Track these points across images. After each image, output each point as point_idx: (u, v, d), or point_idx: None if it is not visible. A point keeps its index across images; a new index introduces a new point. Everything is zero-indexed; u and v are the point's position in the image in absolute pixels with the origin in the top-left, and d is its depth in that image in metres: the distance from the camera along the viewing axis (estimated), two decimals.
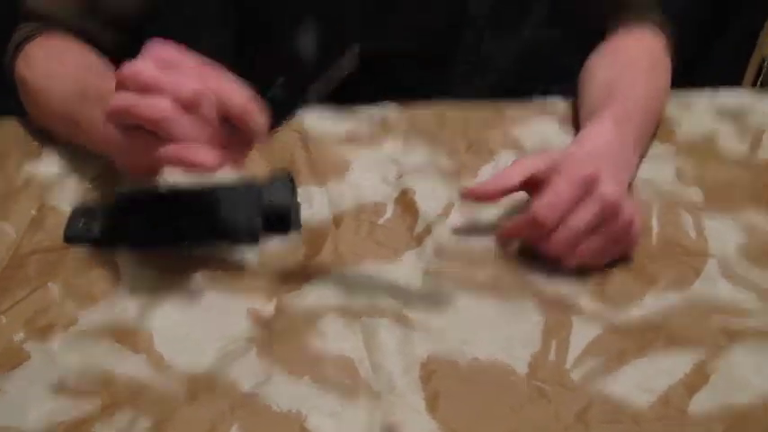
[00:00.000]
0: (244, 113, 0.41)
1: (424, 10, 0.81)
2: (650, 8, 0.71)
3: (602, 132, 0.54)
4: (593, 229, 0.46)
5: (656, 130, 0.64)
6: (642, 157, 0.60)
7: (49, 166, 0.59)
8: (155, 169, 0.50)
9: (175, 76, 0.41)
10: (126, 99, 0.41)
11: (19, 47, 0.64)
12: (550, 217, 0.46)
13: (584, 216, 0.46)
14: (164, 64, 0.41)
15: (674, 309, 0.47)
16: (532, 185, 0.49)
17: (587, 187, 0.46)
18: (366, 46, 0.82)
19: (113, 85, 0.52)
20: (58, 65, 0.60)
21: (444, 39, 0.92)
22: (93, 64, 0.61)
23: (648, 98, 0.62)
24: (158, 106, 0.40)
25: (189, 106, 0.40)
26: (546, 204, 0.46)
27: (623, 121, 0.56)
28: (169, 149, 0.40)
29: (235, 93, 0.41)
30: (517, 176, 0.50)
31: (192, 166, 0.40)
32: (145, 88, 0.40)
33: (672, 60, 0.70)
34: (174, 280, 0.47)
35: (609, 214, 0.46)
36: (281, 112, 0.43)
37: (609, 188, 0.46)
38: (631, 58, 0.66)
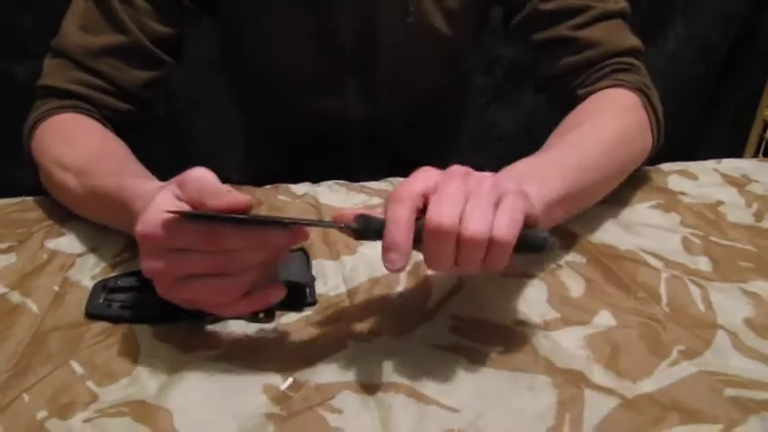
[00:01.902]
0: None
1: (427, 77, 0.83)
2: (620, 68, 0.71)
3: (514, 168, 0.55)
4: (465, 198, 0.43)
5: (588, 186, 0.60)
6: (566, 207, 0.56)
7: (71, 242, 0.61)
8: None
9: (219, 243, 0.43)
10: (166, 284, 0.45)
11: (34, 127, 0.66)
12: (406, 190, 0.43)
13: (447, 187, 0.43)
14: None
15: (687, 381, 0.47)
16: None
17: (444, 175, 0.44)
18: (369, 115, 0.85)
19: (116, 184, 0.54)
20: (69, 153, 0.62)
21: (448, 107, 0.95)
22: (104, 144, 0.63)
23: (584, 151, 0.60)
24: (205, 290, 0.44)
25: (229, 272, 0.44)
26: (399, 188, 0.43)
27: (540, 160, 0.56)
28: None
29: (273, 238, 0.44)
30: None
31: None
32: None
33: (654, 119, 0.69)
34: (193, 356, 0.48)
35: (472, 182, 0.43)
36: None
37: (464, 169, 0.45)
38: (584, 118, 0.65)
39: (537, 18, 0.72)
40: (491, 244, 0.42)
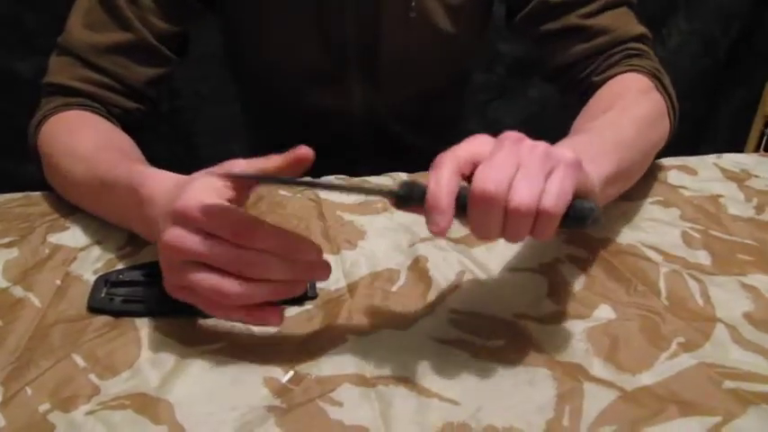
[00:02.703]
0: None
1: (429, 74, 0.84)
2: (634, 54, 0.72)
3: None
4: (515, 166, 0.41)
5: (629, 165, 0.59)
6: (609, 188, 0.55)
7: (73, 236, 0.62)
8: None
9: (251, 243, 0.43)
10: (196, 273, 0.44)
11: (40, 124, 0.66)
12: (451, 154, 0.42)
13: (497, 154, 0.41)
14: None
15: (686, 374, 0.47)
16: None
17: (496, 142, 0.43)
18: (370, 111, 0.85)
19: (126, 169, 0.54)
20: (76, 143, 0.62)
21: (449, 104, 0.95)
22: (110, 138, 0.64)
23: (617, 130, 0.60)
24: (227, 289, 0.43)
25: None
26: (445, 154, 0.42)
27: (582, 140, 0.56)
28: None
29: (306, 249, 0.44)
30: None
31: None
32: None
33: (670, 102, 0.69)
34: (195, 350, 0.49)
35: (524, 150, 0.42)
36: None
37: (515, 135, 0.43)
38: (609, 103, 0.65)
39: (545, 9, 0.73)
40: (538, 214, 0.41)
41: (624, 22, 0.72)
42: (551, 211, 0.41)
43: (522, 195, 0.40)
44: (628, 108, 0.63)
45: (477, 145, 0.43)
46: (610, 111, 0.63)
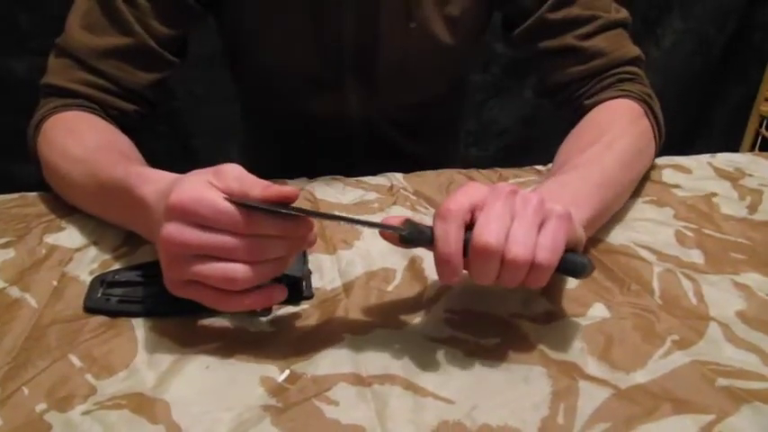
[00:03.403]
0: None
1: (427, 83, 0.84)
2: (625, 77, 0.73)
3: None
4: (510, 217, 0.44)
5: (611, 203, 0.62)
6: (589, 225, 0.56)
7: (69, 237, 0.62)
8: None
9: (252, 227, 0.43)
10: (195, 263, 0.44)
11: (39, 125, 0.66)
12: (455, 205, 0.44)
13: (494, 206, 0.44)
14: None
15: (680, 372, 0.48)
16: None
17: (490, 192, 0.45)
18: (368, 115, 0.85)
19: (124, 170, 0.54)
20: (75, 144, 0.62)
21: (446, 108, 0.95)
22: (110, 139, 0.64)
23: (604, 165, 0.61)
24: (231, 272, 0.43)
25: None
26: (447, 200, 0.45)
27: (576, 185, 0.57)
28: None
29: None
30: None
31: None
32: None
33: (656, 128, 0.71)
34: (191, 349, 0.49)
35: (518, 201, 0.45)
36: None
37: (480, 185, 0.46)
38: (596, 133, 0.67)
39: (543, 27, 0.73)
40: (533, 266, 0.44)
41: (620, 44, 0.74)
42: (545, 264, 0.44)
43: (518, 249, 0.43)
44: (615, 141, 0.64)
45: (474, 194, 0.45)
46: (596, 144, 0.64)
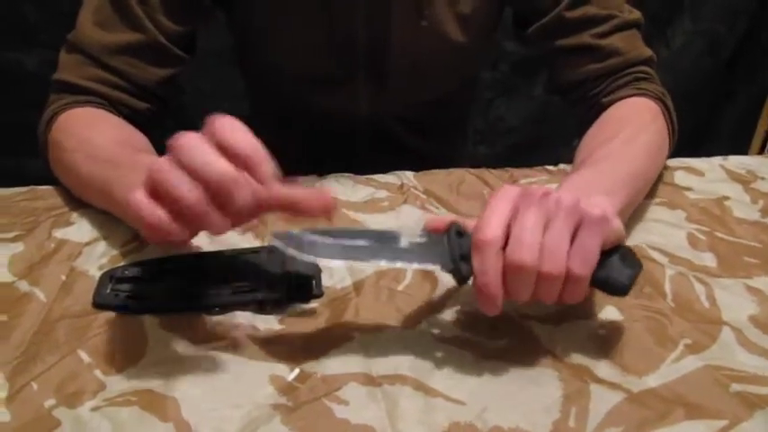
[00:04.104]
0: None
1: (438, 81, 0.83)
2: (641, 77, 0.73)
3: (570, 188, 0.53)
4: (544, 226, 0.43)
5: (634, 192, 0.61)
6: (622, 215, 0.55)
7: (78, 231, 0.61)
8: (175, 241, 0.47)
9: (221, 160, 0.41)
10: (168, 174, 0.41)
11: (51, 120, 0.66)
12: (490, 233, 0.43)
13: (526, 216, 0.43)
14: (216, 141, 0.42)
15: (693, 376, 0.47)
16: None
17: (522, 198, 0.44)
18: (377, 113, 0.85)
19: (146, 157, 0.54)
20: (94, 133, 0.62)
21: (456, 106, 0.95)
22: (127, 134, 0.64)
23: (627, 159, 0.61)
24: (192, 196, 0.40)
25: (222, 194, 0.41)
26: (480, 224, 0.44)
27: (595, 171, 0.57)
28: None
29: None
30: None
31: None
32: (188, 166, 0.41)
33: (671, 127, 0.71)
34: (200, 347, 0.49)
35: (551, 206, 0.44)
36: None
37: (515, 187, 0.45)
38: (618, 127, 0.66)
39: (560, 25, 0.73)
40: (566, 278, 0.44)
41: (634, 44, 0.74)
42: (577, 275, 0.43)
43: (551, 264, 0.43)
44: (638, 136, 0.64)
45: (503, 210, 0.44)
46: (620, 135, 0.63)
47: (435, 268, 0.46)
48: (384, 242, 0.46)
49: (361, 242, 0.46)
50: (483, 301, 0.44)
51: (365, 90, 0.81)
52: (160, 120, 0.74)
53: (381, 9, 0.74)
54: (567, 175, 0.58)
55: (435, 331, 0.51)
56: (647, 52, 0.74)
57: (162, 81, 0.70)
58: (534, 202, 0.44)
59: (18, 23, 1.36)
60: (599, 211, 0.44)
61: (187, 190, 0.40)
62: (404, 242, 0.47)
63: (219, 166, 0.41)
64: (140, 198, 0.41)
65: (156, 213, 0.41)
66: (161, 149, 0.64)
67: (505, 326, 0.51)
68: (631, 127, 0.66)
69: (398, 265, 0.46)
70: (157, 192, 0.41)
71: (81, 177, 0.62)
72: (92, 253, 0.59)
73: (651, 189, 0.70)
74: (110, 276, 0.54)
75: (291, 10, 0.74)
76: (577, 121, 0.77)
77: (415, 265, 0.46)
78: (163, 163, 0.41)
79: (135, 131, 0.65)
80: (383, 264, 0.45)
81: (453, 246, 0.46)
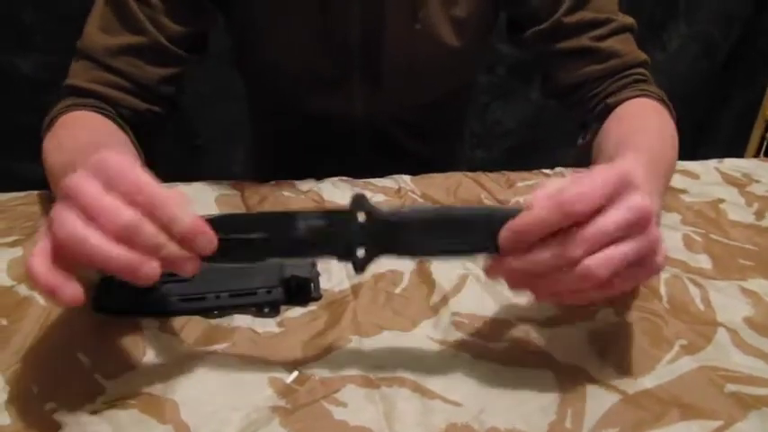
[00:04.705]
0: (189, 235, 0.40)
1: (432, 84, 0.84)
2: (641, 80, 0.73)
3: (625, 162, 0.50)
4: (620, 238, 0.41)
5: (668, 183, 0.62)
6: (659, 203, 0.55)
7: None
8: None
9: (116, 202, 0.39)
10: (67, 225, 0.39)
11: (50, 124, 0.67)
12: (580, 207, 0.39)
13: (614, 218, 0.40)
14: (109, 182, 0.40)
15: (688, 377, 0.48)
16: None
17: (620, 187, 0.41)
18: (373, 115, 0.85)
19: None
20: (64, 142, 0.62)
21: (452, 109, 0.95)
22: (98, 143, 0.63)
23: (661, 148, 0.61)
24: (91, 243, 0.38)
25: (125, 236, 0.39)
26: (577, 194, 0.39)
27: (643, 160, 0.54)
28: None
29: (179, 215, 0.40)
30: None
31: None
32: (85, 210, 0.39)
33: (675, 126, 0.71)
34: (199, 350, 0.49)
35: (640, 224, 0.41)
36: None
37: (641, 195, 0.41)
38: (642, 118, 0.67)
39: (558, 29, 0.73)
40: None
41: (631, 47, 0.74)
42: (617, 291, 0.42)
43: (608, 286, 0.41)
44: (663, 128, 0.65)
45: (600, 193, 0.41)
46: (646, 132, 0.63)
47: (332, 259, 0.44)
48: (280, 231, 0.43)
49: (254, 234, 0.43)
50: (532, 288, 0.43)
51: (360, 91, 0.81)
52: (165, 120, 0.74)
53: (375, 11, 0.74)
54: (621, 156, 0.54)
55: (432, 333, 0.51)
56: (643, 55, 0.75)
57: (164, 81, 0.71)
58: (625, 206, 0.41)
59: (14, 27, 1.37)
60: (662, 258, 0.43)
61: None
62: (301, 227, 0.43)
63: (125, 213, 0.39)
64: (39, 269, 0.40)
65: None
66: (157, 151, 0.64)
67: (502, 328, 0.52)
68: (654, 120, 0.66)
69: (292, 261, 0.44)
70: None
71: (53, 179, 0.61)
72: None
73: None
74: (109, 279, 0.54)
75: (291, 10, 0.75)
76: (575, 123, 0.77)
77: (311, 259, 0.44)
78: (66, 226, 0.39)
79: (114, 136, 0.64)
80: (275, 261, 0.42)
81: (355, 231, 0.43)
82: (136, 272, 0.39)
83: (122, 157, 0.41)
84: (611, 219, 0.40)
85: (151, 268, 0.39)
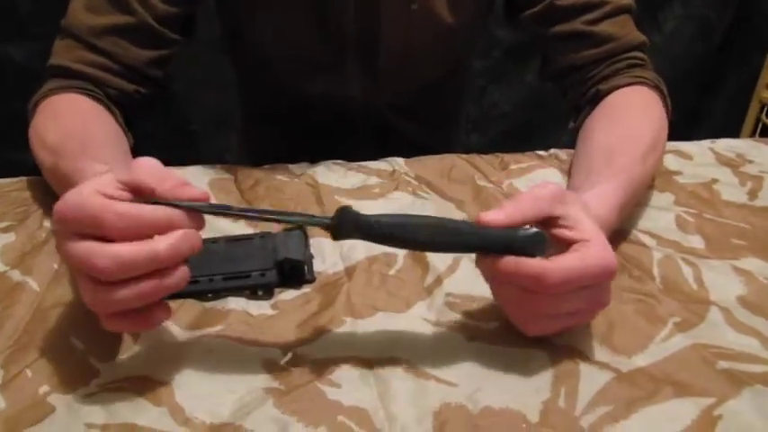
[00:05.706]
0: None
1: (429, 66, 0.83)
2: (637, 64, 0.73)
3: (604, 203, 0.54)
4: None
5: (645, 191, 0.65)
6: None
7: None
8: None
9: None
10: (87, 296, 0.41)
11: (36, 106, 0.66)
12: (557, 289, 0.44)
13: (577, 304, 0.46)
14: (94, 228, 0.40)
15: (681, 355, 0.48)
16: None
17: (599, 279, 0.45)
18: (369, 99, 0.85)
19: (73, 166, 0.53)
20: (51, 130, 0.62)
21: (448, 92, 0.95)
22: (83, 131, 0.62)
23: (646, 174, 0.62)
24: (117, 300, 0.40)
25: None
26: (561, 278, 0.44)
27: (621, 195, 0.56)
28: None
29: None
30: (531, 214, 0.46)
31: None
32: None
33: (667, 115, 0.71)
34: (193, 332, 0.49)
35: (599, 304, 0.47)
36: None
37: (609, 289, 0.47)
38: (631, 126, 0.66)
39: (552, 12, 0.73)
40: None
41: (627, 30, 0.74)
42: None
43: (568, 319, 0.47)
44: (648, 155, 0.62)
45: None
46: (630, 154, 0.61)
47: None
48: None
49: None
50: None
51: (357, 75, 0.81)
52: (154, 101, 0.73)
53: None
54: (590, 192, 0.55)
55: (426, 314, 0.51)
56: (640, 37, 0.74)
57: (152, 62, 0.70)
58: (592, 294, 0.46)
59: (9, 15, 1.35)
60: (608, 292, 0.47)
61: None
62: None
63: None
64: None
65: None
66: (149, 138, 0.64)
67: (496, 308, 0.52)
68: (637, 124, 0.65)
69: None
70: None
71: (41, 167, 0.61)
72: None
73: None
74: None
75: None
76: (569, 106, 0.77)
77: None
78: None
79: (100, 123, 0.64)
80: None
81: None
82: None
83: (93, 192, 0.40)
84: (574, 304, 0.46)
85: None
